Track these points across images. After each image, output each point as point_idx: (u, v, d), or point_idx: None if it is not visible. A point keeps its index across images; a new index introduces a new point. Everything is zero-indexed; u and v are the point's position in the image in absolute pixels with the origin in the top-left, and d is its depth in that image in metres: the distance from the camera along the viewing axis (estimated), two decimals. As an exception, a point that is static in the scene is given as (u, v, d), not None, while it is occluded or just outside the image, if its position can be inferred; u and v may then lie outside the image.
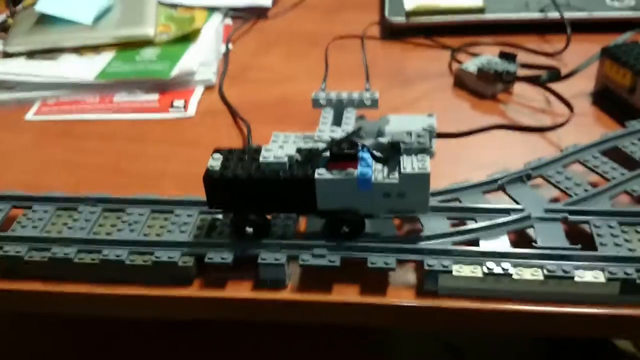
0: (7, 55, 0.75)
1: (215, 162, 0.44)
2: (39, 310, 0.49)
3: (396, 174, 0.42)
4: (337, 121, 0.55)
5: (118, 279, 0.45)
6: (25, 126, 0.66)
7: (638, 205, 0.48)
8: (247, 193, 0.43)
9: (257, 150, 0.44)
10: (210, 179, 0.43)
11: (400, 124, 0.52)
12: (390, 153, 0.43)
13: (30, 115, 0.68)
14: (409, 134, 0.44)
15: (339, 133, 0.51)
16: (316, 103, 0.56)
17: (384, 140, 0.44)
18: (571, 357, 0.95)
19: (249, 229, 0.44)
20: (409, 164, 0.42)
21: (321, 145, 0.44)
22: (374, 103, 0.55)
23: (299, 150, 0.44)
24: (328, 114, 0.55)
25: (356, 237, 0.44)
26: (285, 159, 0.43)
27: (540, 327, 0.42)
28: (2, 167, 0.59)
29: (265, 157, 0.43)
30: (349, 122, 0.53)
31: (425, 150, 0.43)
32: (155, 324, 0.78)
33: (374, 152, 0.43)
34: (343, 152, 0.42)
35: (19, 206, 0.50)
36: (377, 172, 0.43)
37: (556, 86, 0.63)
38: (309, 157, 0.43)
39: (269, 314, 0.45)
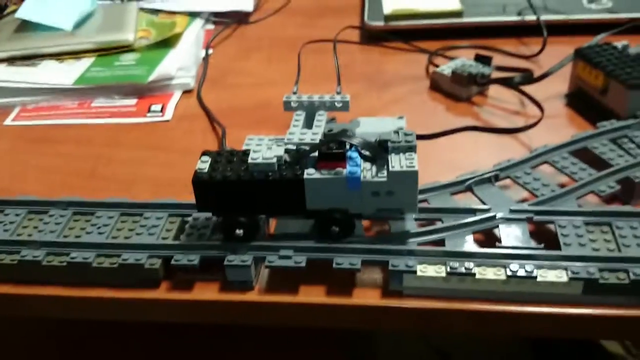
0: (-13, 61, 0.75)
1: (204, 164, 0.44)
2: (11, 313, 0.49)
3: (384, 172, 0.42)
4: (309, 124, 0.55)
5: (87, 282, 0.45)
6: (3, 131, 0.66)
7: (605, 206, 0.48)
8: (237, 195, 0.43)
9: (246, 152, 0.44)
10: (199, 181, 0.43)
11: (371, 126, 0.53)
12: (378, 152, 0.43)
13: (8, 121, 0.68)
14: (396, 132, 0.44)
15: (309, 136, 0.52)
16: (287, 106, 0.56)
17: (371, 139, 0.44)
18: (559, 361, 0.95)
19: (239, 231, 0.44)
20: (397, 162, 0.42)
21: (301, 148, 0.44)
22: (345, 105, 0.55)
23: (287, 151, 0.44)
24: (300, 117, 0.55)
25: (346, 237, 0.44)
26: (274, 160, 0.43)
27: (504, 327, 0.42)
28: (-24, 172, 0.59)
29: (254, 158, 0.43)
30: (320, 124, 0.53)
31: (412, 148, 0.43)
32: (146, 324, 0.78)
33: (362, 151, 0.43)
34: (331, 152, 0.43)
35: (-10, 210, 0.50)
36: (366, 171, 0.43)
37: (531, 88, 0.63)
38: (297, 158, 0.44)
39: (235, 316, 0.45)
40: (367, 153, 0.44)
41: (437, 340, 1.01)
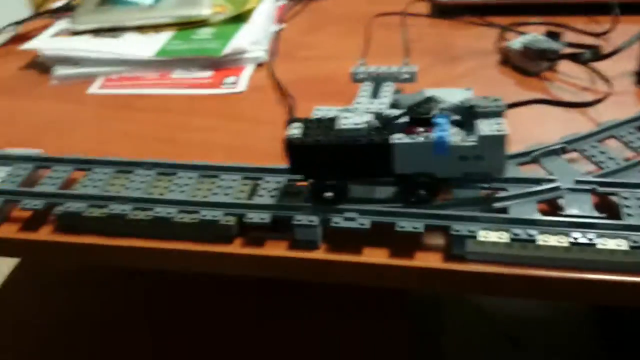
0: (74, 32, 0.80)
1: (296, 129, 0.46)
2: (100, 262, 0.53)
3: (473, 137, 0.44)
4: (376, 95, 0.57)
5: (168, 236, 0.49)
6: (89, 99, 0.71)
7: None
8: (327, 158, 0.45)
9: (333, 120, 0.46)
10: (292, 145, 0.45)
11: (438, 97, 0.54)
12: (467, 117, 0.45)
13: (94, 89, 0.73)
14: (485, 98, 0.46)
15: (376, 105, 0.53)
16: (355, 77, 0.58)
17: (459, 104, 0.45)
18: (633, 351, 0.94)
19: (328, 194, 0.46)
20: (486, 127, 0.43)
21: (389, 114, 0.46)
22: (412, 77, 0.57)
23: (376, 117, 0.46)
24: (367, 88, 0.57)
25: (432, 201, 0.46)
26: (364, 125, 0.45)
27: (564, 294, 0.43)
28: (66, 135, 0.64)
29: (344, 124, 0.45)
30: (387, 95, 0.55)
31: (501, 113, 0.44)
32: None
33: (451, 115, 0.45)
34: (420, 117, 0.44)
35: (81, 169, 0.54)
36: (454, 136, 0.44)
37: (601, 66, 0.63)
38: (385, 123, 0.45)
39: (301, 272, 0.47)
40: (455, 118, 0.45)
41: (505, 325, 1.02)
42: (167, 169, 0.53)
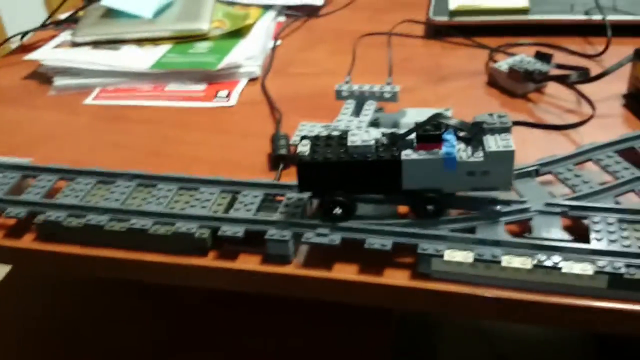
0: (74, 44, 0.82)
1: (305, 147, 0.46)
2: (77, 271, 0.54)
3: (481, 153, 0.44)
4: (358, 113, 0.58)
5: (144, 247, 0.50)
6: (84, 109, 0.72)
7: (644, 205, 0.48)
8: (337, 176, 0.46)
9: (342, 136, 0.47)
10: (302, 163, 0.45)
11: (417, 116, 0.55)
12: (473, 133, 0.45)
13: (89, 100, 0.74)
14: (491, 114, 0.46)
15: (355, 124, 0.54)
16: (339, 95, 0.59)
17: (466, 121, 0.46)
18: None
19: (338, 210, 0.46)
20: (494, 143, 0.44)
21: (397, 131, 0.47)
22: (394, 96, 0.58)
23: (384, 134, 0.46)
24: (350, 106, 0.58)
25: (439, 216, 0.46)
26: (372, 142, 0.45)
27: (528, 316, 0.43)
28: (57, 145, 0.65)
29: (353, 141, 0.45)
30: (368, 113, 0.56)
31: (507, 129, 0.45)
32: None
33: (458, 132, 0.46)
34: (429, 133, 0.45)
35: (65, 178, 0.56)
36: (461, 152, 0.45)
37: (591, 88, 0.63)
38: (394, 140, 0.46)
39: (273, 286, 0.48)
40: (462, 134, 0.46)
41: (498, 345, 1.01)
42: (148, 181, 0.54)
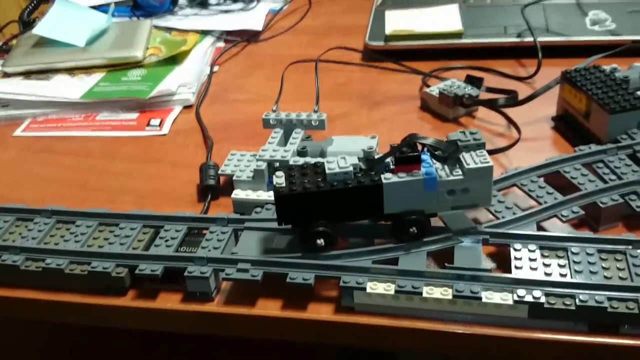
0: (5, 75, 0.80)
1: (280, 179, 0.45)
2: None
3: (459, 171, 0.44)
4: (286, 141, 0.57)
5: (61, 287, 0.48)
6: (13, 142, 0.70)
7: (565, 231, 0.48)
8: (317, 206, 0.44)
9: (316, 164, 0.46)
10: (280, 195, 0.44)
11: (344, 144, 0.55)
12: (449, 152, 0.45)
13: (18, 132, 0.72)
14: (463, 132, 0.46)
15: (280, 153, 0.53)
16: (266, 123, 0.59)
17: (440, 140, 0.46)
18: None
19: (320, 241, 0.45)
20: (471, 160, 0.44)
21: (372, 156, 0.46)
22: (321, 124, 0.57)
23: (360, 160, 0.46)
24: (277, 134, 0.57)
25: (423, 237, 0.45)
26: (351, 168, 0.44)
27: (452, 347, 0.43)
28: (-19, 180, 0.63)
29: (331, 168, 0.44)
30: (295, 142, 0.55)
31: (481, 145, 0.45)
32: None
33: (435, 151, 0.45)
34: (407, 155, 0.44)
35: (-18, 217, 0.53)
36: (439, 171, 0.44)
37: (521, 110, 0.63)
38: (371, 165, 0.45)
39: (194, 326, 0.46)
40: (439, 153, 0.45)
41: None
42: (67, 217, 0.52)
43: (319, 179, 0.44)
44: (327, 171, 0.44)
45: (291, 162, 0.49)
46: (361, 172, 0.44)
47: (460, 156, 0.44)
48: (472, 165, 0.44)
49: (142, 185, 0.60)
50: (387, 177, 0.44)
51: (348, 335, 0.44)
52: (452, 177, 0.44)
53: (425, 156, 0.45)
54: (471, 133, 0.46)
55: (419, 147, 0.45)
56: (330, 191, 0.44)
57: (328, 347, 0.76)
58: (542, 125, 0.63)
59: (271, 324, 0.45)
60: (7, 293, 0.48)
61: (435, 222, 0.47)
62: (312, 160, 0.46)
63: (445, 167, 0.45)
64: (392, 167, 0.44)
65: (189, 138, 0.68)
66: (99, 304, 0.47)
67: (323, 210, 0.44)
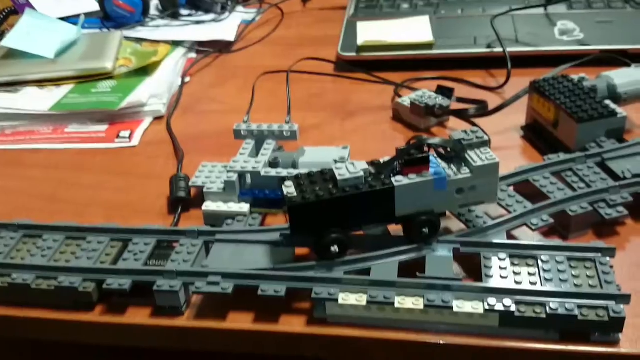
0: (-28, 87, 0.78)
1: (290, 189, 0.44)
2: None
3: (466, 169, 0.45)
4: (258, 152, 0.57)
5: (28, 302, 0.47)
6: (-21, 155, 0.69)
7: (535, 239, 0.48)
8: (330, 213, 0.44)
9: (323, 172, 0.46)
10: (293, 206, 0.43)
11: (315, 155, 0.54)
12: (458, 150, 0.45)
13: (-16, 145, 0.71)
14: (465, 131, 0.46)
15: (251, 164, 0.53)
16: (237, 134, 0.58)
17: (447, 140, 0.46)
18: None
19: (334, 248, 0.44)
20: (477, 157, 0.45)
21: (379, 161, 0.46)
22: (293, 135, 0.57)
23: (369, 164, 0.46)
24: (249, 145, 0.57)
25: (433, 237, 0.46)
26: (362, 173, 0.44)
27: (422, 357, 0.43)
28: (-55, 195, 0.62)
29: (342, 174, 0.44)
30: (266, 153, 0.55)
31: (485, 142, 0.46)
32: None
33: (441, 151, 0.45)
34: (416, 157, 0.44)
35: (-55, 232, 0.52)
36: (447, 170, 0.45)
37: (491, 120, 0.64)
38: (380, 169, 0.45)
39: (164, 341, 0.46)
40: (446, 153, 0.46)
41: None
42: (34, 231, 0.51)
43: (330, 186, 0.44)
44: (338, 177, 0.44)
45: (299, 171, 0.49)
46: (371, 177, 0.45)
47: (466, 154, 0.45)
48: (479, 163, 0.44)
49: (111, 197, 0.59)
50: (399, 180, 0.44)
51: (321, 347, 0.44)
52: (460, 176, 0.44)
53: (431, 157, 0.45)
54: (473, 132, 0.46)
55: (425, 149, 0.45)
56: (343, 197, 0.44)
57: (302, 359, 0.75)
58: (512, 135, 0.64)
59: (243, 337, 0.44)
60: (-29, 310, 0.47)
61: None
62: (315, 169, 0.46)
63: (452, 166, 0.45)
64: (398, 169, 0.45)
65: (159, 150, 0.67)
66: (66, 319, 0.46)
67: (336, 217, 0.44)
